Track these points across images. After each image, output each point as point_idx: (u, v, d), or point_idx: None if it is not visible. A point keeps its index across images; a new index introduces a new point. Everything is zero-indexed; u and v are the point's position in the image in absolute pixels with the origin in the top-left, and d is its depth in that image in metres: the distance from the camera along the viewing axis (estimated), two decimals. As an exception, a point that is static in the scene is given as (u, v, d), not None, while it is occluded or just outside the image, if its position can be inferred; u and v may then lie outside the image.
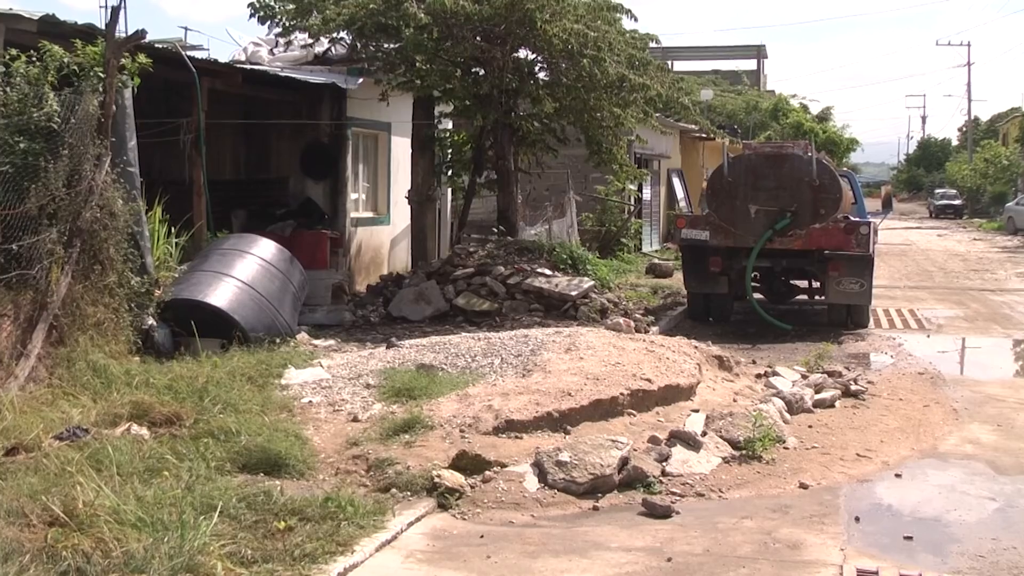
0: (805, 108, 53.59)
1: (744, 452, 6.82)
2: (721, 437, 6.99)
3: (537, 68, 13.85)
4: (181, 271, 9.85)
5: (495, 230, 14.43)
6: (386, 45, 13.28)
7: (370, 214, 15.90)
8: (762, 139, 37.99)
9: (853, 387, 9.01)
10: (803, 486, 6.37)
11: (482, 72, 13.35)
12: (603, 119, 14.04)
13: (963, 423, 8.23)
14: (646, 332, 11.39)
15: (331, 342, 10.22)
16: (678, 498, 6.06)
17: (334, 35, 13.37)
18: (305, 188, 14.43)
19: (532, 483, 6.04)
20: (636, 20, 14.41)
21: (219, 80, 11.66)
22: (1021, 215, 36.84)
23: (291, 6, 13.12)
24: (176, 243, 10.32)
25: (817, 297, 14.21)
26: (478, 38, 12.93)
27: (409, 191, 14.68)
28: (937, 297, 17.04)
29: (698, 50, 65.95)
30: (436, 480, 5.85)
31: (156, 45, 10.37)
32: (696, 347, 9.28)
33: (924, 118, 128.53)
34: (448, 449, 6.30)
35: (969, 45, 79.62)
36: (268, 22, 13.28)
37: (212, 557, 4.42)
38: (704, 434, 6.98)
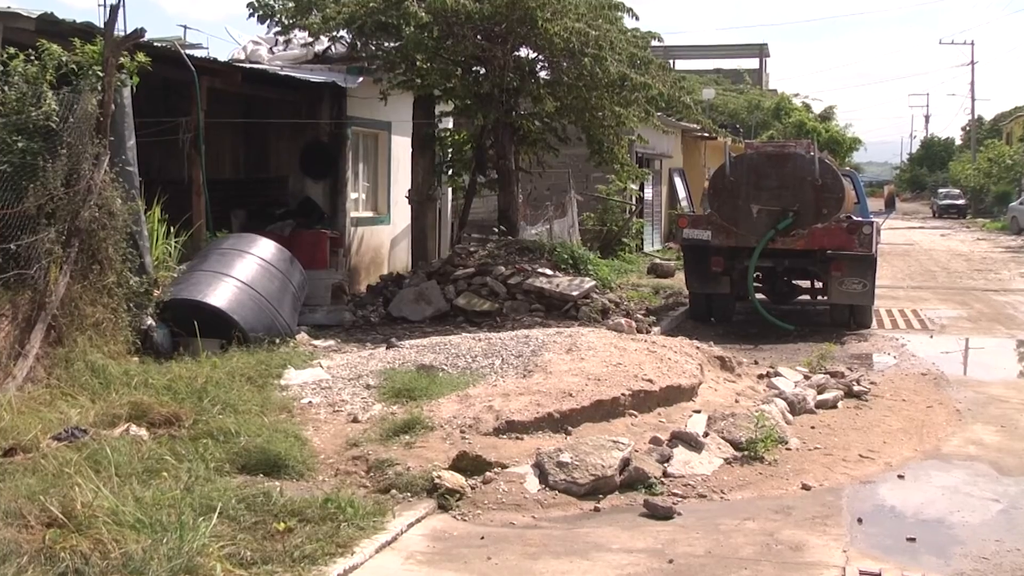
0: (807, 107, 53.54)
1: (746, 453, 6.80)
2: (723, 438, 6.96)
3: (538, 67, 13.81)
4: (180, 271, 9.82)
5: (496, 230, 14.40)
6: (386, 44, 13.23)
7: (370, 214, 15.85)
8: (764, 138, 37.94)
9: (856, 388, 8.97)
10: (805, 487, 6.34)
11: (483, 71, 13.32)
12: (604, 118, 13.99)
13: (966, 424, 8.19)
14: (648, 332, 11.36)
15: (331, 342, 10.20)
16: (680, 499, 6.03)
17: (334, 34, 13.32)
18: (305, 187, 14.39)
19: (533, 484, 6.01)
20: (637, 19, 14.38)
21: (218, 79, 11.61)
22: (1025, 215, 36.73)
23: (291, 4, 13.08)
24: (175, 243, 10.28)
25: (820, 297, 14.16)
26: (479, 37, 12.89)
27: (409, 190, 14.65)
28: (940, 297, 16.99)
29: (700, 49, 65.87)
30: (436, 481, 5.82)
31: (155, 44, 10.32)
32: (698, 347, 9.26)
33: (927, 117, 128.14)
34: (448, 450, 6.27)
35: (973, 44, 78.73)
36: (267, 21, 13.25)
37: (211, 558, 4.39)
38: (706, 435, 6.95)
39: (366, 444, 6.45)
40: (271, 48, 14.31)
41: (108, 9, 8.57)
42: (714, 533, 5.43)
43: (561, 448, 6.27)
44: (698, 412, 7.48)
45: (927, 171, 79.13)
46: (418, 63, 12.86)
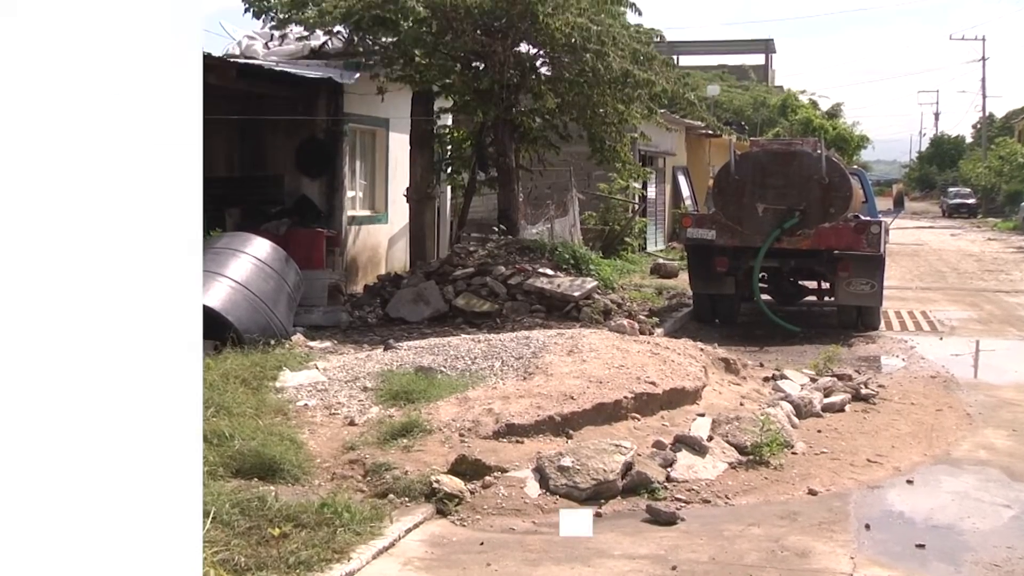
0: (814, 104, 53.40)
1: (751, 457, 6.70)
2: (728, 442, 6.86)
3: (539, 63, 13.70)
4: (175, 270, 9.69)
5: (496, 229, 14.27)
6: (384, 39, 13.12)
7: (367, 212, 15.71)
8: (770, 136, 37.84)
9: (863, 391, 8.86)
10: (812, 492, 6.24)
11: (482, 67, 13.20)
12: (606, 115, 13.87)
13: (977, 428, 8.08)
14: (650, 334, 11.23)
15: (327, 343, 10.08)
16: (683, 504, 5.92)
17: (330, 29, 13.21)
18: (301, 185, 14.24)
19: (533, 488, 5.91)
20: (641, 14, 14.31)
21: (212, 74, 11.41)
22: (1036, 214, 36.56)
23: (286, -2, 12.98)
24: (170, 241, 10.16)
25: (826, 298, 14.06)
26: (478, 32, 12.77)
27: (407, 189, 14.52)
28: (950, 298, 16.84)
29: (704, 44, 65.88)
30: (435, 485, 5.72)
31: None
32: (702, 349, 9.16)
33: (937, 115, 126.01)
34: (447, 453, 6.18)
35: (984, 39, 77.14)
36: (263, 15, 13.14)
37: (205, 564, 4.28)
38: (710, 439, 6.85)
39: (363, 447, 6.34)
40: (266, 43, 14.19)
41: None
42: (718, 539, 5.34)
43: (562, 452, 6.17)
44: (702, 415, 7.36)
45: (936, 169, 78.67)
46: (416, 59, 12.73)
